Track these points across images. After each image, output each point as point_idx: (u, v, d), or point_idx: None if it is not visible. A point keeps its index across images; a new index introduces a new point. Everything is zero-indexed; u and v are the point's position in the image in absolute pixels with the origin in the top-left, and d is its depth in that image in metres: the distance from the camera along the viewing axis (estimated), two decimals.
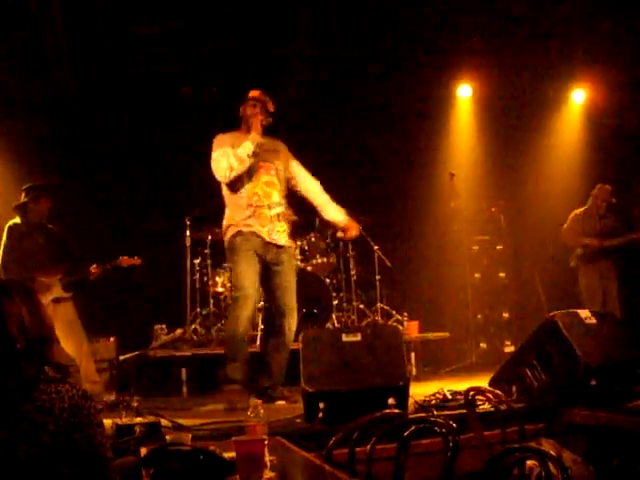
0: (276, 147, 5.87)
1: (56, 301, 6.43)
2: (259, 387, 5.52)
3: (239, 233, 5.53)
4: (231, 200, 5.67)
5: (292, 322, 5.58)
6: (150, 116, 8.86)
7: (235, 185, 5.60)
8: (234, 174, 5.50)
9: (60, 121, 8.43)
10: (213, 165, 5.59)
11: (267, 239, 5.55)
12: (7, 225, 6.44)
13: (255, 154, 5.54)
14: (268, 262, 5.59)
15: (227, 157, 5.50)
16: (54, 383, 2.11)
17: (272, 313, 5.67)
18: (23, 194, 6.46)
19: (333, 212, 5.93)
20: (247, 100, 5.85)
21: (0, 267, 6.37)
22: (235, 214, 5.61)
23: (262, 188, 5.61)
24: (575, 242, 8.10)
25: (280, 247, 5.63)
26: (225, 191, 5.69)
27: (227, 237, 5.63)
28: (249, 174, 5.58)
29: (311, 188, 5.95)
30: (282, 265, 5.63)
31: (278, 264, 5.61)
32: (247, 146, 5.50)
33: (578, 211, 8.21)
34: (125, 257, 6.70)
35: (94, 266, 6.55)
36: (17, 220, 6.47)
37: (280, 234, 5.63)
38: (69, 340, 6.40)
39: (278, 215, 5.64)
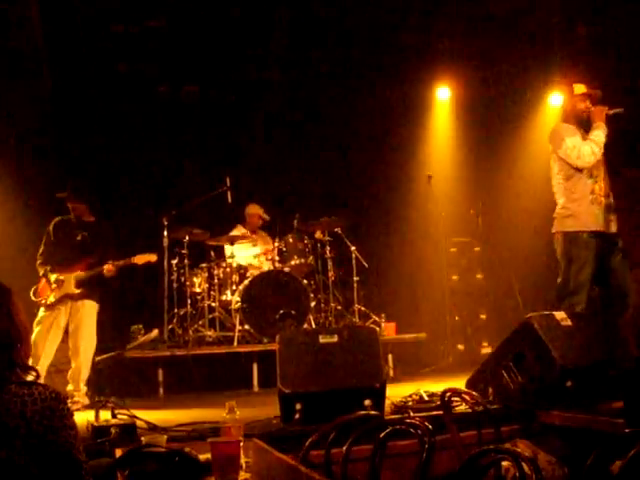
0: None
1: (70, 298, 6.45)
2: None
3: (583, 232, 5.85)
4: (574, 190, 5.94)
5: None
6: (128, 115, 8.82)
7: (580, 174, 5.91)
8: (594, 159, 5.81)
9: (35, 121, 8.35)
10: (571, 151, 5.84)
11: (603, 229, 5.85)
12: (55, 219, 6.76)
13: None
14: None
15: (589, 144, 5.79)
16: (26, 385, 2.09)
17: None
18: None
19: None
20: (575, 95, 6.06)
21: (39, 255, 6.66)
22: (575, 204, 5.91)
23: (601, 180, 5.97)
24: None
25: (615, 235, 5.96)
26: (565, 182, 5.98)
27: (567, 229, 5.91)
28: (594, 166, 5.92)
29: None
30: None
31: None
32: (602, 135, 5.81)
33: None
34: (139, 255, 6.73)
35: (109, 263, 6.54)
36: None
37: (613, 223, 5.93)
38: (71, 339, 6.47)
39: (610, 206, 5.93)
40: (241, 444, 2.95)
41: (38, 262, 6.63)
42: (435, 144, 10.00)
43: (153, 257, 6.85)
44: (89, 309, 6.55)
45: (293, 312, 7.56)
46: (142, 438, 3.77)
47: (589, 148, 5.80)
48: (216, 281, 8.03)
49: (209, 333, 7.78)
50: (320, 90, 9.31)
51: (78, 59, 8.25)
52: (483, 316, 9.34)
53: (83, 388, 6.43)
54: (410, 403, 4.84)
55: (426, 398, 4.90)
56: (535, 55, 8.85)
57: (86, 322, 6.51)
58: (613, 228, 5.93)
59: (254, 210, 8.75)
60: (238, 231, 8.65)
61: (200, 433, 4.05)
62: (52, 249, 6.65)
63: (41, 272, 6.56)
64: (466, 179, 9.63)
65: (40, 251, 6.66)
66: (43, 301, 6.43)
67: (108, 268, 6.50)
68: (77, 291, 6.47)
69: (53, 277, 6.47)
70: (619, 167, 8.64)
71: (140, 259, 6.72)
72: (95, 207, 6.84)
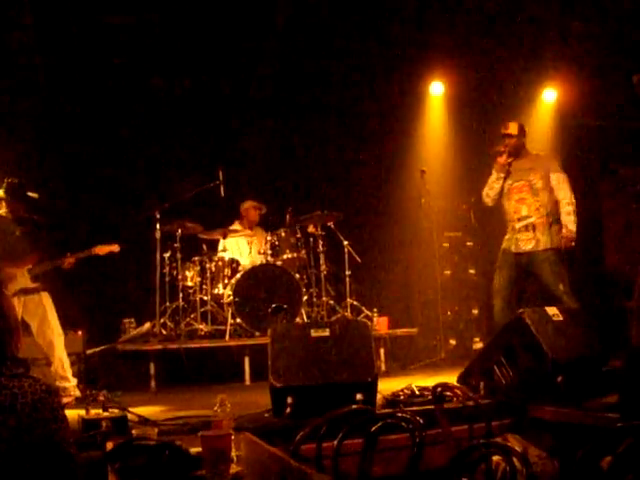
0: (533, 164, 6.70)
1: (24, 292, 6.38)
2: None
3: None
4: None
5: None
6: (121, 107, 8.79)
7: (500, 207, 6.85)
8: (488, 199, 6.87)
9: (27, 112, 8.32)
10: None
11: (514, 250, 6.61)
12: None
13: (503, 178, 6.72)
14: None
15: (485, 187, 6.85)
16: (16, 378, 2.08)
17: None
18: (2, 190, 6.50)
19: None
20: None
21: None
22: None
23: (514, 205, 6.67)
24: None
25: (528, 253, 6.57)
26: None
27: None
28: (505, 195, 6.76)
29: (558, 198, 6.64)
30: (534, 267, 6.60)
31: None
32: (492, 175, 6.78)
33: None
34: (99, 246, 6.66)
35: (68, 256, 6.49)
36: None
37: (525, 242, 6.58)
38: (39, 335, 6.38)
39: (526, 226, 6.57)
40: (232, 437, 2.95)
41: None
42: (428, 139, 9.98)
43: (115, 247, 6.78)
44: (47, 300, 6.46)
45: (285, 306, 7.55)
46: (133, 431, 3.77)
47: (484, 191, 6.88)
48: (208, 275, 8.01)
49: (201, 327, 7.77)
50: (313, 85, 9.29)
51: (71, 51, 8.21)
52: (475, 311, 9.34)
53: (73, 380, 6.40)
54: (402, 397, 4.84)
55: (417, 392, 4.91)
56: (529, 50, 8.84)
57: (50, 314, 6.44)
58: (526, 247, 6.54)
59: (249, 205, 8.77)
60: (235, 228, 8.64)
61: (191, 426, 4.05)
62: None
63: None
64: (459, 174, 9.62)
65: None
66: None
67: (69, 260, 6.46)
68: (33, 285, 6.41)
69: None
70: (614, 165, 8.72)
71: (102, 249, 6.67)
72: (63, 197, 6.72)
